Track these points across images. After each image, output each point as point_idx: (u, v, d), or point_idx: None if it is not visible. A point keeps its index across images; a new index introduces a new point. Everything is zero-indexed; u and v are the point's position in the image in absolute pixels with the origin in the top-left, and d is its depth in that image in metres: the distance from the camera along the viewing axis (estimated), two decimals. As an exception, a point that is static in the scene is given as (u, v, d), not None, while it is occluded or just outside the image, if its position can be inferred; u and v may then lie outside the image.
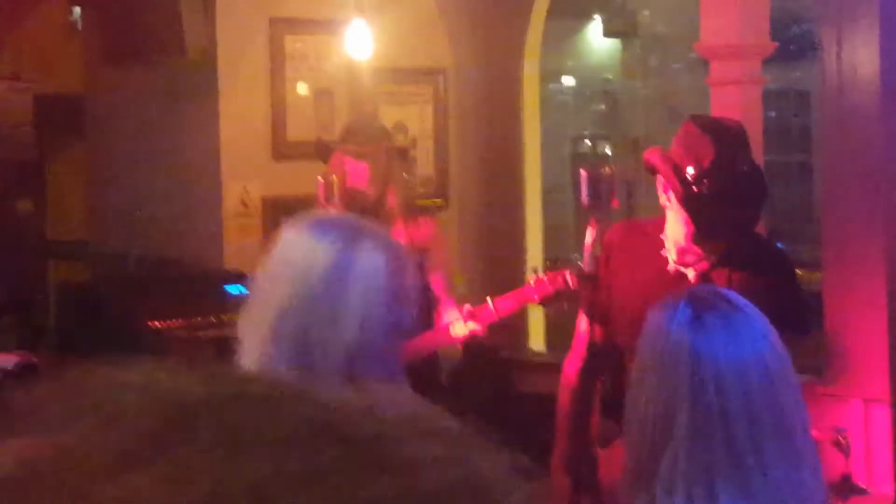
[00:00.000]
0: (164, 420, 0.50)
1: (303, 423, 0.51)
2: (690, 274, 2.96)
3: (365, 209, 4.18)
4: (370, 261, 1.92)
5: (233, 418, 0.50)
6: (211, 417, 0.50)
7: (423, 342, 3.90)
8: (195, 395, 0.51)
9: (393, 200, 4.23)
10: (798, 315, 2.95)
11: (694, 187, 2.81)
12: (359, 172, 4.21)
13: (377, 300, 1.92)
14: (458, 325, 3.86)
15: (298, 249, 1.95)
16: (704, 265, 2.94)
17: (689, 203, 2.81)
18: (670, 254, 2.97)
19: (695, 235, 2.85)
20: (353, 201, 4.18)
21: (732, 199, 2.83)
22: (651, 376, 1.78)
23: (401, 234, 4.13)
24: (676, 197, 2.84)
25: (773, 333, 1.83)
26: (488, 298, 3.88)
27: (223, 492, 0.48)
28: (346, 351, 1.89)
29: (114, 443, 0.50)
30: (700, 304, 1.81)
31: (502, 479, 0.53)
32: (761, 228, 4.80)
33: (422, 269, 4.13)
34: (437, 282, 4.23)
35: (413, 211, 4.27)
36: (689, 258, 2.95)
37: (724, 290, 2.00)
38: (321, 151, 4.55)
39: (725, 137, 2.89)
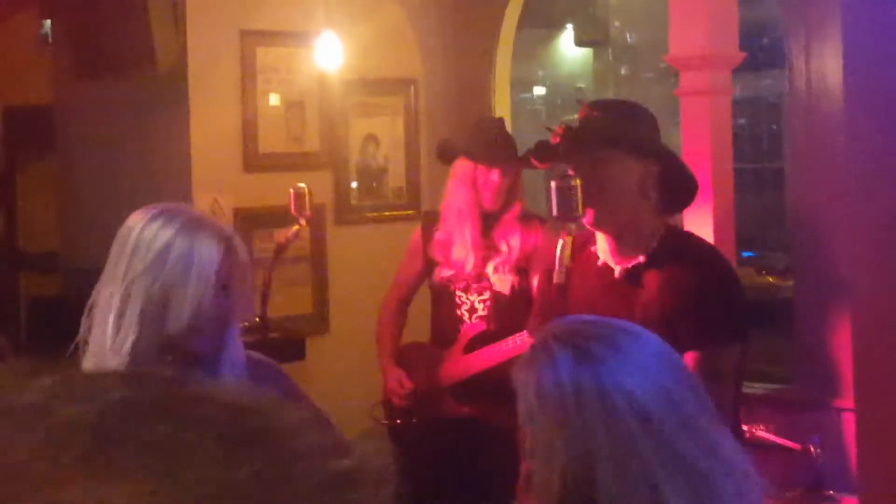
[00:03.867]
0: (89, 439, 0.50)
1: (206, 431, 0.51)
2: (617, 271, 3.00)
3: (487, 217, 4.28)
4: (205, 250, 2.20)
5: (140, 434, 0.51)
6: (116, 444, 0.50)
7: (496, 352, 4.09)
8: (90, 415, 0.51)
9: (515, 211, 4.34)
10: (729, 320, 2.91)
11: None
12: (491, 183, 4.31)
13: (206, 286, 2.19)
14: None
15: (144, 232, 2.25)
16: (630, 263, 2.98)
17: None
18: (601, 252, 3.03)
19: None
20: (477, 209, 4.31)
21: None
22: (557, 431, 1.71)
23: (516, 241, 4.29)
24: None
25: (652, 335, 1.82)
26: None
27: None
28: (174, 325, 2.18)
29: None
30: (573, 337, 1.77)
31: (380, 465, 0.55)
32: (729, 234, 4.85)
33: (526, 276, 4.24)
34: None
35: (527, 220, 4.37)
36: (616, 256, 3.00)
37: (586, 317, 1.95)
38: (445, 152, 4.56)
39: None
